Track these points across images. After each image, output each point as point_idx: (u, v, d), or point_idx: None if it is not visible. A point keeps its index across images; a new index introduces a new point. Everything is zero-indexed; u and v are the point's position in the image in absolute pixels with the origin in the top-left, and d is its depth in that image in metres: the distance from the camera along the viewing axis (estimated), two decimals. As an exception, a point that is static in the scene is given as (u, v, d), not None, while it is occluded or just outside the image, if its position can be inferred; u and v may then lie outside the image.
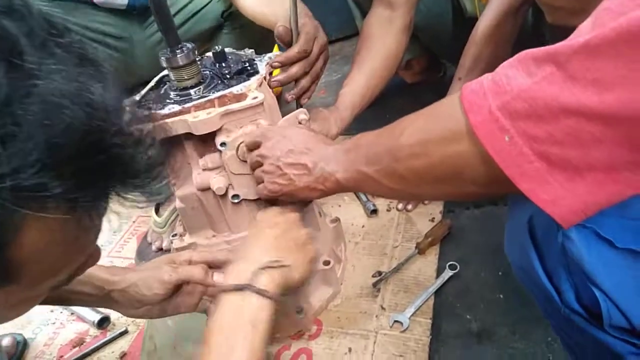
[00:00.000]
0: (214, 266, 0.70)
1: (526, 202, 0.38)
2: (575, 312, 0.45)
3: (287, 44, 0.79)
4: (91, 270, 0.54)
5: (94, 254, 0.41)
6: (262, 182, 0.67)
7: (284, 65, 0.78)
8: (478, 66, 0.94)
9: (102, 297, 0.66)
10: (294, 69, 0.79)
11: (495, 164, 0.39)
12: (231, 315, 0.52)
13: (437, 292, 0.91)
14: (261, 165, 0.67)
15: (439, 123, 0.45)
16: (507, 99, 0.38)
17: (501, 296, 0.89)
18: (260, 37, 1.16)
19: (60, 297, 0.64)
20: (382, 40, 0.99)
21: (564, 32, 0.37)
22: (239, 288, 0.52)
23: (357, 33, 1.83)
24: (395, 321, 0.86)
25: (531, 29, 1.03)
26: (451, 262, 0.94)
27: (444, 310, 0.88)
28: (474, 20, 1.01)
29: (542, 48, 0.37)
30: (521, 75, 0.37)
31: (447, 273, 0.93)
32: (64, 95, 0.30)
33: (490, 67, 0.98)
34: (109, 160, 0.32)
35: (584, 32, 0.35)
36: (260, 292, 0.52)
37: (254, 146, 0.69)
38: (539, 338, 0.81)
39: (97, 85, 0.32)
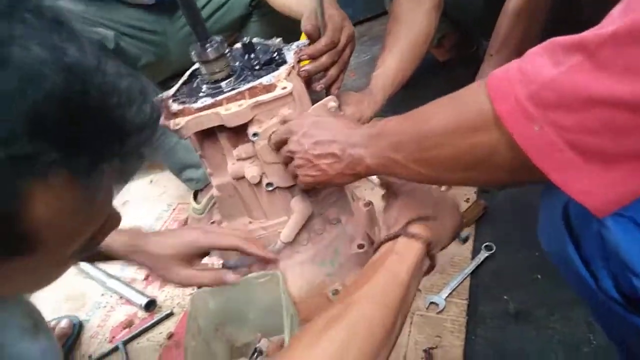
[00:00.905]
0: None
1: (560, 190, 0.37)
2: (613, 299, 0.44)
3: (314, 38, 0.79)
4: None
5: (113, 218, 0.41)
6: (297, 176, 0.69)
7: (313, 58, 0.79)
8: (511, 42, 0.91)
9: (125, 253, 0.70)
10: (322, 59, 0.79)
11: (524, 154, 0.38)
12: (380, 254, 0.56)
13: (473, 273, 0.91)
14: (292, 160, 0.68)
15: (465, 112, 0.44)
16: (534, 88, 0.37)
17: (539, 276, 0.88)
18: (288, 24, 1.17)
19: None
20: (413, 20, 0.97)
21: (603, 4, 0.36)
22: (391, 237, 0.57)
23: (385, 12, 1.81)
24: (431, 302, 0.87)
25: (567, 2, 0.99)
26: (487, 243, 0.93)
27: (480, 291, 0.88)
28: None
29: (571, 36, 0.36)
30: (549, 63, 0.37)
31: (483, 254, 0.92)
32: (40, 62, 0.29)
33: (523, 43, 0.95)
34: (97, 123, 0.32)
35: (616, 16, 0.33)
36: (412, 236, 0.55)
37: (281, 144, 0.69)
38: (579, 318, 0.80)
39: (72, 47, 0.31)
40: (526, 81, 0.38)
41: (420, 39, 0.98)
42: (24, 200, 0.31)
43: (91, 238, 0.39)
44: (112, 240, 0.69)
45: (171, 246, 0.71)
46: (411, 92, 1.44)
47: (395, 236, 0.56)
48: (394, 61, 0.96)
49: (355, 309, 0.48)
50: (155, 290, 1.07)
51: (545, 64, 0.37)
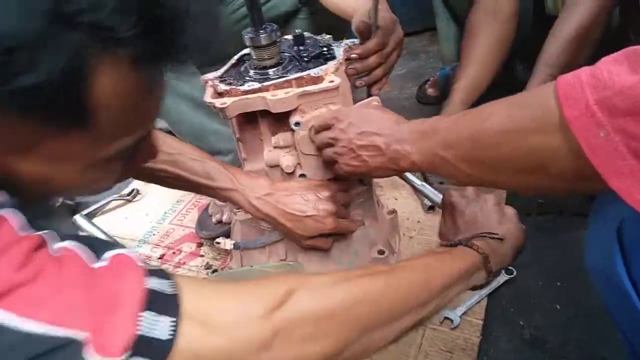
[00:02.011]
0: None
1: (616, 206, 0.37)
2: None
3: (364, 38, 0.80)
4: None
5: (151, 147, 0.44)
6: (334, 162, 0.69)
7: (362, 57, 0.79)
8: (559, 65, 0.91)
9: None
10: (370, 60, 0.80)
11: (587, 160, 0.38)
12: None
13: (491, 295, 0.90)
14: (332, 146, 0.68)
15: (528, 113, 0.44)
16: (607, 95, 0.37)
17: (558, 307, 0.87)
18: (334, 24, 1.18)
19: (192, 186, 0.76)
20: (487, 31, 0.99)
21: None
22: (450, 244, 0.60)
23: (426, 29, 1.84)
24: (446, 317, 0.86)
25: (617, 29, 0.98)
26: (507, 267, 0.92)
27: (497, 313, 0.87)
28: (553, 18, 0.98)
29: None
30: (626, 71, 0.36)
31: (503, 277, 0.91)
32: None
33: (574, 67, 0.94)
34: (169, 15, 0.34)
35: None
36: (471, 246, 0.58)
37: (324, 127, 0.70)
38: (594, 352, 0.78)
39: None
40: (600, 87, 0.37)
41: (496, 49, 1.00)
42: (93, 71, 0.33)
43: (131, 154, 0.41)
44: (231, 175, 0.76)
45: (303, 229, 0.76)
46: (440, 109, 1.44)
47: (454, 244, 0.60)
48: (471, 74, 0.99)
49: (401, 269, 0.52)
50: (169, 271, 1.07)
51: (623, 71, 0.37)
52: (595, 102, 0.37)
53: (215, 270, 1.04)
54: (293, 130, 0.74)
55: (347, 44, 0.82)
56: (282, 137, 0.76)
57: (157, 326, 0.34)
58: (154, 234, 1.19)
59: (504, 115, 0.47)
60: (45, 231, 0.36)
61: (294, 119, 0.73)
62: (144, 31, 0.34)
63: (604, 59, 0.39)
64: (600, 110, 0.37)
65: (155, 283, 0.36)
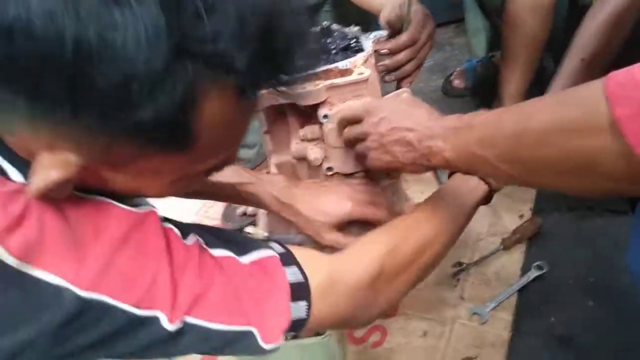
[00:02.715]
0: None
1: None
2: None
3: (395, 32, 0.78)
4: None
5: (233, 155, 0.45)
6: (365, 156, 0.68)
7: (393, 53, 0.78)
8: (595, 49, 0.88)
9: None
10: (401, 55, 0.79)
11: None
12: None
13: (520, 291, 0.88)
14: (362, 140, 0.67)
15: (576, 112, 0.42)
16: None
17: (590, 303, 0.85)
18: (360, 17, 1.16)
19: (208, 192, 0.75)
20: (531, 22, 0.99)
21: None
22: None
23: (453, 21, 1.81)
24: (474, 313, 0.85)
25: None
26: (538, 263, 0.91)
27: (527, 310, 0.86)
28: (586, 8, 0.95)
29: None
30: None
31: (533, 272, 0.90)
32: None
33: (604, 55, 0.91)
34: (283, 46, 0.35)
35: None
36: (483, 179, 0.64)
37: (354, 120, 0.69)
38: (627, 351, 0.77)
39: None
40: None
41: (540, 40, 1.00)
42: (203, 99, 0.34)
43: (215, 166, 0.42)
44: (256, 181, 0.75)
45: (324, 213, 0.74)
46: (469, 105, 1.42)
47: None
48: (520, 76, 1.01)
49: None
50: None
51: None
52: None
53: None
54: (321, 123, 0.73)
55: (375, 36, 0.81)
56: (310, 130, 0.76)
57: (299, 310, 0.44)
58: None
59: (549, 114, 0.45)
60: (197, 236, 0.42)
61: (322, 111, 0.72)
62: (260, 60, 0.34)
63: None
64: None
65: (291, 275, 0.44)
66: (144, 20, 0.29)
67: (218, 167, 0.44)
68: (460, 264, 0.94)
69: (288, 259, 0.45)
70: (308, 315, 0.45)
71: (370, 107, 0.67)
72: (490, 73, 1.42)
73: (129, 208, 0.39)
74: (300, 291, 0.44)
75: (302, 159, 0.78)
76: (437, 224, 0.58)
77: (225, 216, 1.16)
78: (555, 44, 1.08)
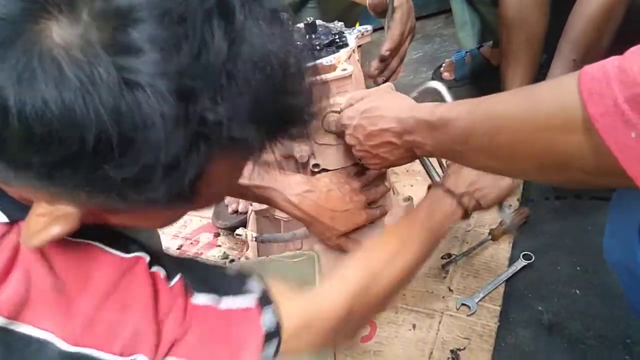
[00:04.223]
0: None
1: (639, 199, 0.36)
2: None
3: (379, 15, 0.79)
4: None
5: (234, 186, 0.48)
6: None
7: (394, 51, 0.80)
8: (582, 46, 0.88)
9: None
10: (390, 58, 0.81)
11: (614, 159, 0.36)
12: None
13: (509, 281, 0.89)
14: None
15: (548, 109, 0.41)
16: (638, 91, 0.34)
17: (577, 291, 0.86)
18: (344, 12, 1.16)
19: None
20: (526, 18, 0.99)
21: None
22: (446, 190, 0.65)
23: (441, 12, 1.80)
24: (463, 304, 0.86)
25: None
26: (526, 252, 0.92)
27: (515, 299, 0.86)
28: (571, 2, 0.95)
29: None
30: None
31: (521, 262, 0.90)
32: (266, 55, 0.32)
33: (595, 48, 0.91)
34: (296, 118, 0.35)
35: None
36: (457, 200, 0.64)
37: (342, 132, 0.70)
38: (616, 338, 0.78)
39: (288, 46, 0.33)
40: (630, 82, 0.34)
41: (538, 35, 1.00)
42: (211, 167, 0.33)
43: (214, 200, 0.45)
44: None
45: (340, 224, 0.77)
46: (457, 93, 1.42)
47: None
48: (522, 73, 1.01)
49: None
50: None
51: None
52: (625, 100, 0.34)
53: (232, 260, 1.06)
54: (306, 120, 0.73)
55: (359, 31, 0.81)
56: (295, 127, 0.76)
57: (270, 349, 0.44)
58: (171, 225, 1.21)
59: (522, 110, 0.44)
60: (182, 278, 0.42)
61: (306, 108, 0.72)
62: (274, 133, 0.35)
63: (632, 49, 0.37)
64: (630, 109, 0.34)
65: (267, 321, 0.44)
66: (161, 112, 0.29)
67: (218, 200, 0.45)
68: (449, 255, 0.95)
69: (266, 300, 0.45)
70: (277, 352, 0.45)
71: (344, 119, 0.68)
72: (479, 64, 1.42)
73: (118, 253, 0.40)
74: (272, 336, 0.44)
75: (289, 156, 0.79)
76: (410, 259, 0.59)
77: (217, 214, 1.16)
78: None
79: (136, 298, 0.39)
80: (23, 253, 0.35)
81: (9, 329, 0.34)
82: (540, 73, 1.09)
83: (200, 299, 0.42)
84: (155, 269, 0.42)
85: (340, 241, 0.79)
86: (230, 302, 0.44)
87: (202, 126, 0.30)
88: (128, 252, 0.41)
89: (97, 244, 0.40)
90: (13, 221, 0.37)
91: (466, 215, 0.66)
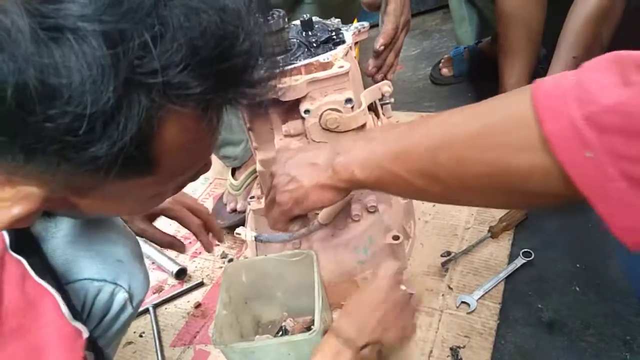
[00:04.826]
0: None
1: None
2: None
3: (374, 9, 0.79)
4: None
5: (208, 164, 0.45)
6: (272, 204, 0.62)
7: (388, 46, 0.80)
8: (580, 44, 0.88)
9: None
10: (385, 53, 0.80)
11: (570, 181, 0.34)
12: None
13: (508, 278, 0.89)
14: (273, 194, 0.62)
15: (502, 127, 0.39)
16: (595, 109, 0.32)
17: (577, 289, 0.85)
18: (341, 8, 1.15)
19: None
20: (524, 13, 0.99)
21: None
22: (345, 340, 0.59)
23: (438, 7, 1.79)
24: (463, 302, 0.85)
25: (637, 6, 0.95)
26: (525, 250, 0.91)
27: (515, 297, 0.86)
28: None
29: None
30: (616, 82, 0.32)
31: (520, 260, 0.90)
32: (201, 0, 0.31)
33: (593, 46, 0.91)
34: (240, 65, 0.34)
35: None
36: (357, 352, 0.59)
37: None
38: (615, 335, 0.77)
39: None
40: (586, 100, 0.33)
41: (536, 29, 1.00)
42: (160, 125, 0.33)
43: (187, 180, 0.42)
44: None
45: None
46: (460, 90, 1.42)
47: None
48: (521, 68, 1.01)
49: None
50: (186, 260, 1.09)
51: (612, 82, 0.32)
52: (582, 118, 0.33)
53: (231, 260, 1.05)
54: (303, 118, 0.73)
55: (356, 28, 0.80)
56: (292, 125, 0.75)
57: None
58: (170, 224, 1.20)
59: (475, 126, 0.41)
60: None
61: (303, 106, 0.72)
62: (216, 82, 0.33)
63: (587, 64, 0.35)
64: (588, 128, 0.32)
65: None
66: (86, 58, 0.28)
67: (192, 179, 0.44)
68: (448, 253, 0.95)
69: None
70: None
71: (276, 167, 0.63)
72: (477, 60, 1.42)
73: (65, 314, 0.39)
74: None
75: (286, 154, 0.78)
76: None
77: (215, 213, 1.16)
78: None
79: None
80: None
81: None
82: (540, 68, 1.08)
83: None
84: (88, 354, 0.41)
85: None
86: None
87: (134, 74, 0.30)
88: (72, 321, 0.40)
89: (55, 294, 0.39)
90: None
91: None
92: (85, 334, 0.40)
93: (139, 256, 0.63)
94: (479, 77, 1.39)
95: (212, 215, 0.79)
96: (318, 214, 0.81)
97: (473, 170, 0.41)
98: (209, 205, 1.22)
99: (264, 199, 0.85)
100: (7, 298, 0.36)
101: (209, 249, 0.79)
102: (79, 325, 0.40)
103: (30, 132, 0.30)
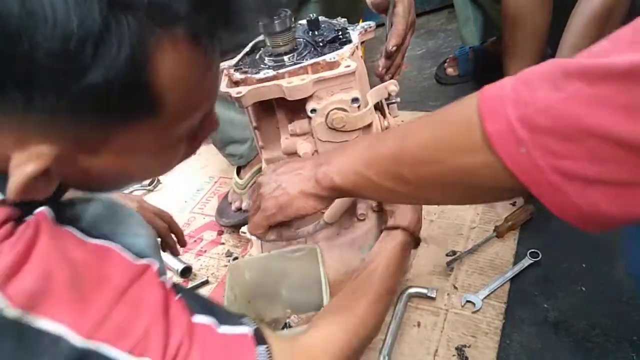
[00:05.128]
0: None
1: None
2: None
3: (380, 11, 0.79)
4: None
5: (212, 119, 0.46)
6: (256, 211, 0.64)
7: (398, 46, 0.80)
8: (587, 44, 0.88)
9: None
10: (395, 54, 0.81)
11: (511, 173, 0.37)
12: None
13: (514, 278, 0.88)
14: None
15: (452, 128, 0.43)
16: (528, 112, 0.36)
17: (583, 289, 0.85)
18: (347, 8, 1.15)
19: None
20: (529, 14, 0.99)
21: None
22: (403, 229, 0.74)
23: (443, 7, 1.79)
24: (468, 301, 0.85)
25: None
26: (533, 250, 0.91)
27: (520, 297, 0.86)
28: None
29: (574, 60, 0.35)
30: (547, 87, 0.35)
31: (528, 260, 0.90)
32: None
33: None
34: None
35: (624, 46, 0.33)
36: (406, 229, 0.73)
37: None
38: (622, 336, 0.77)
39: None
40: (521, 102, 0.36)
41: (542, 30, 1.00)
42: (154, 54, 0.33)
43: (194, 133, 0.42)
44: None
45: None
46: (461, 89, 1.42)
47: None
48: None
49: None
50: (191, 259, 1.09)
51: (544, 87, 0.36)
52: (516, 119, 0.36)
53: (236, 258, 1.06)
54: (309, 117, 0.73)
55: (362, 27, 0.80)
56: (298, 125, 0.75)
57: None
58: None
59: (427, 131, 0.46)
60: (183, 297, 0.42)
61: (310, 105, 0.72)
62: (199, 4, 0.34)
63: (528, 70, 0.38)
64: (521, 127, 0.36)
65: (260, 356, 0.43)
66: None
67: (201, 133, 0.44)
68: (454, 252, 0.95)
69: (260, 338, 0.45)
70: None
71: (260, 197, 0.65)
72: (483, 60, 1.42)
73: (130, 258, 0.40)
74: None
75: (293, 154, 0.78)
76: (382, 311, 0.63)
77: (220, 212, 1.16)
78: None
79: (148, 301, 0.39)
80: (40, 247, 0.35)
81: (22, 322, 0.34)
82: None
83: (200, 319, 0.42)
84: (162, 278, 0.42)
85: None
86: (227, 329, 0.43)
87: None
88: (137, 260, 0.41)
89: (113, 245, 0.40)
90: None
91: (417, 245, 0.76)
92: (155, 266, 0.42)
93: (158, 248, 0.64)
94: (484, 76, 1.38)
95: (174, 221, 0.83)
96: (324, 212, 0.81)
97: (429, 171, 0.45)
98: (214, 204, 1.23)
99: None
100: (77, 257, 0.37)
101: (175, 252, 0.84)
102: (144, 261, 0.41)
103: (22, 64, 0.30)
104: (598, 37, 0.89)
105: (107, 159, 0.38)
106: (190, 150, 0.46)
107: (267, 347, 0.44)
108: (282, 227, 0.66)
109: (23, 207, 0.37)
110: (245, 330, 0.44)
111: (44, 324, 0.34)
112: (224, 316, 0.44)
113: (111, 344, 0.36)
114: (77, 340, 0.35)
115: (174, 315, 0.40)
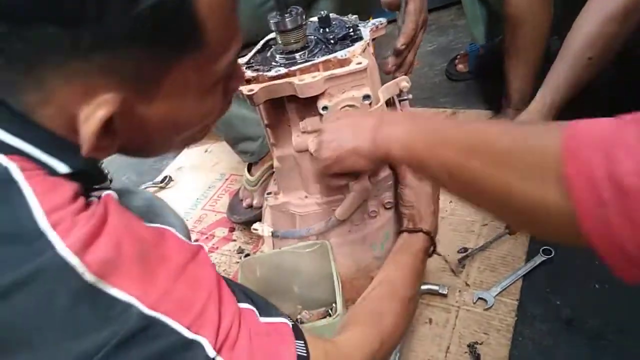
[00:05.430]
0: None
1: None
2: None
3: (393, 9, 0.79)
4: None
5: (239, 70, 0.49)
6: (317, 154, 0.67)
7: (408, 43, 0.80)
8: (598, 43, 0.86)
9: None
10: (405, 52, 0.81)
11: (581, 224, 0.35)
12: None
13: (526, 275, 0.88)
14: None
15: (529, 155, 0.40)
16: (620, 170, 0.32)
17: (597, 286, 0.85)
18: (358, 4, 1.15)
19: None
20: (532, 15, 0.99)
21: None
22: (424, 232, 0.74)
23: (453, 3, 1.78)
24: (480, 298, 0.85)
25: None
26: (546, 247, 0.90)
27: (532, 293, 0.86)
28: None
29: None
30: None
31: (540, 257, 0.89)
32: None
33: (613, 45, 0.89)
34: None
35: None
36: (428, 234, 0.74)
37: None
38: (636, 332, 0.76)
39: None
40: (614, 158, 0.33)
41: (543, 32, 1.00)
42: None
43: (227, 83, 0.45)
44: None
45: None
46: (471, 85, 1.41)
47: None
48: (526, 71, 1.03)
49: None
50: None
51: None
52: (605, 175, 0.33)
53: (247, 255, 1.06)
54: (321, 115, 0.73)
55: (373, 24, 0.80)
56: (310, 122, 0.76)
57: None
58: (187, 220, 1.22)
59: (506, 142, 0.43)
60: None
61: (321, 103, 0.72)
62: None
63: (628, 116, 0.35)
64: (608, 186, 0.32)
65: (299, 348, 0.45)
66: None
67: (232, 84, 0.47)
68: (465, 249, 0.95)
69: (298, 333, 0.46)
70: None
71: (320, 145, 0.67)
72: (493, 56, 1.41)
73: (185, 239, 0.43)
74: None
75: (304, 151, 0.78)
76: (408, 319, 0.65)
77: (231, 209, 1.17)
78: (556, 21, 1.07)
79: (203, 280, 0.41)
80: (111, 222, 0.38)
81: (97, 287, 0.35)
82: (547, 68, 1.07)
83: (242, 305, 0.44)
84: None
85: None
86: (268, 318, 0.45)
87: None
88: (190, 242, 0.44)
89: (170, 229, 0.43)
90: (75, 171, 0.39)
91: (435, 251, 0.76)
92: (206, 248, 0.45)
93: (190, 239, 0.65)
94: (495, 73, 1.38)
95: None
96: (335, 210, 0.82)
97: (491, 181, 0.43)
98: (226, 201, 1.23)
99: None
100: (143, 234, 0.40)
101: None
102: (195, 244, 0.44)
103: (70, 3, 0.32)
104: (615, 37, 0.87)
105: (159, 107, 0.40)
106: (225, 104, 0.48)
107: (304, 342, 0.46)
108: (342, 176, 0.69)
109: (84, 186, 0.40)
110: (285, 320, 0.46)
111: (115, 292, 0.36)
112: (264, 306, 0.46)
113: (172, 318, 0.38)
114: (144, 308, 0.37)
115: (225, 297, 0.42)
